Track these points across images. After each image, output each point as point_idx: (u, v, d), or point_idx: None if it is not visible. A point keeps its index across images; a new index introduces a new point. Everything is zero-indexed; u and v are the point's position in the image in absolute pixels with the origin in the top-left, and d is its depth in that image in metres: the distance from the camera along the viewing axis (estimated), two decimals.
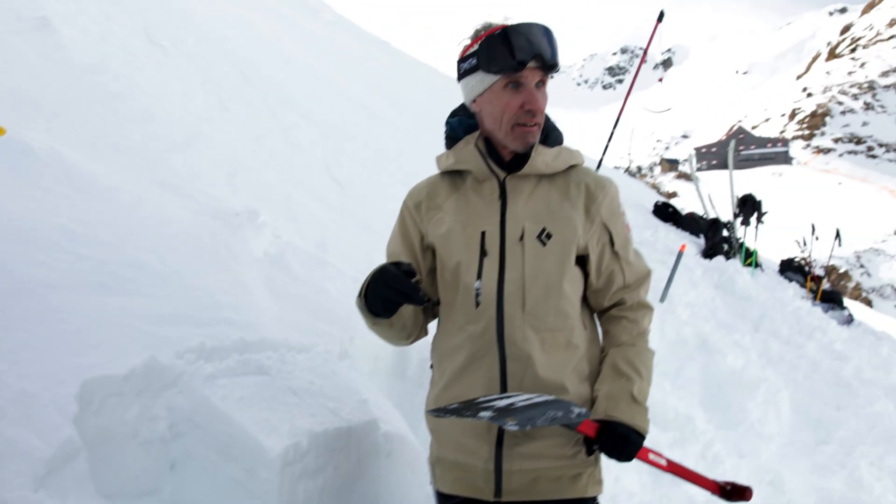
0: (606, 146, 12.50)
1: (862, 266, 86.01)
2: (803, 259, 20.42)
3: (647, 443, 2.58)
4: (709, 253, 16.42)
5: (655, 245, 14.48)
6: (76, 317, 2.77)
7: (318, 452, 2.86)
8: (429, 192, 2.79)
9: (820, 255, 22.99)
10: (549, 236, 2.59)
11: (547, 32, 2.54)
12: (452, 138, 2.79)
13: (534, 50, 2.49)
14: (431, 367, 2.83)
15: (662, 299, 10.19)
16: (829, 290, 18.47)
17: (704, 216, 19.51)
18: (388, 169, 9.57)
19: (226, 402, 2.77)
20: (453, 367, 2.66)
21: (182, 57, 8.31)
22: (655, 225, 17.87)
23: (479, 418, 2.29)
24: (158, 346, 2.83)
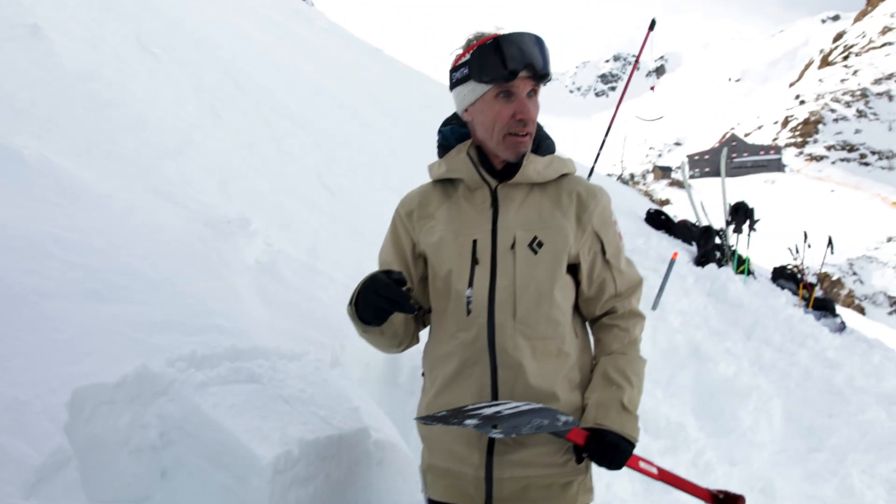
0: (598, 154, 12.52)
1: (854, 273, 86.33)
2: (796, 267, 20.42)
3: (638, 450, 2.58)
4: (701, 260, 16.41)
5: (648, 253, 14.50)
6: (69, 325, 2.76)
7: (310, 460, 2.86)
8: (421, 201, 2.80)
9: (812, 262, 22.98)
10: (540, 245, 2.59)
11: (538, 42, 2.55)
12: (445, 147, 2.80)
13: (525, 59, 2.50)
14: (423, 374, 2.83)
15: (654, 307, 10.19)
16: (821, 297, 18.48)
17: (697, 224, 19.51)
18: (380, 176, 9.58)
19: (217, 409, 2.76)
20: (444, 374, 2.66)
21: (174, 64, 8.31)
22: (648, 232, 17.88)
23: (464, 426, 2.29)
24: (150, 354, 2.83)
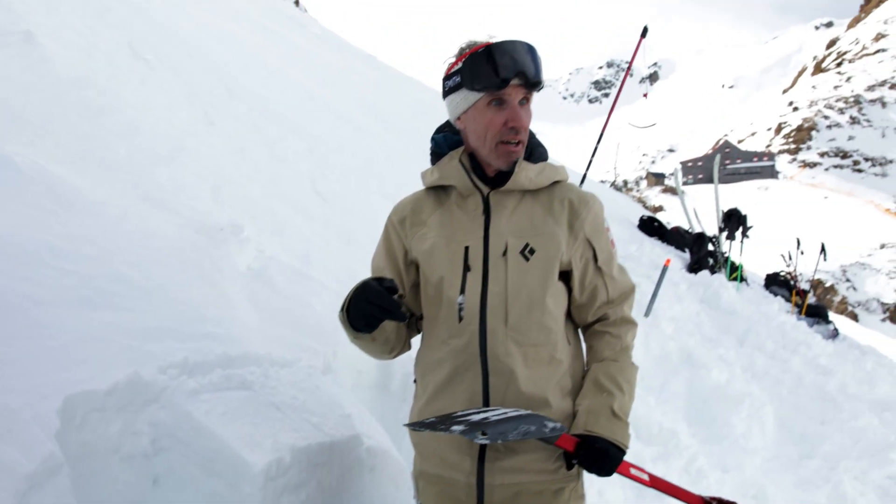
0: (590, 160, 12.53)
1: (848, 280, 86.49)
2: (789, 273, 20.46)
3: (630, 457, 2.59)
4: (694, 267, 16.44)
5: (640, 259, 14.52)
6: (62, 332, 2.76)
7: (301, 467, 2.86)
8: (413, 208, 2.80)
9: (805, 269, 23.04)
10: (532, 251, 2.60)
11: (531, 50, 2.56)
12: (437, 154, 2.81)
13: (517, 67, 2.51)
14: (415, 381, 2.84)
15: (647, 314, 10.20)
16: (814, 304, 18.48)
17: (690, 230, 19.54)
18: (372, 183, 9.58)
19: (209, 417, 2.76)
20: (436, 381, 2.67)
21: (167, 71, 8.31)
22: (641, 239, 17.91)
23: (451, 432, 2.30)
24: (142, 361, 2.82)
